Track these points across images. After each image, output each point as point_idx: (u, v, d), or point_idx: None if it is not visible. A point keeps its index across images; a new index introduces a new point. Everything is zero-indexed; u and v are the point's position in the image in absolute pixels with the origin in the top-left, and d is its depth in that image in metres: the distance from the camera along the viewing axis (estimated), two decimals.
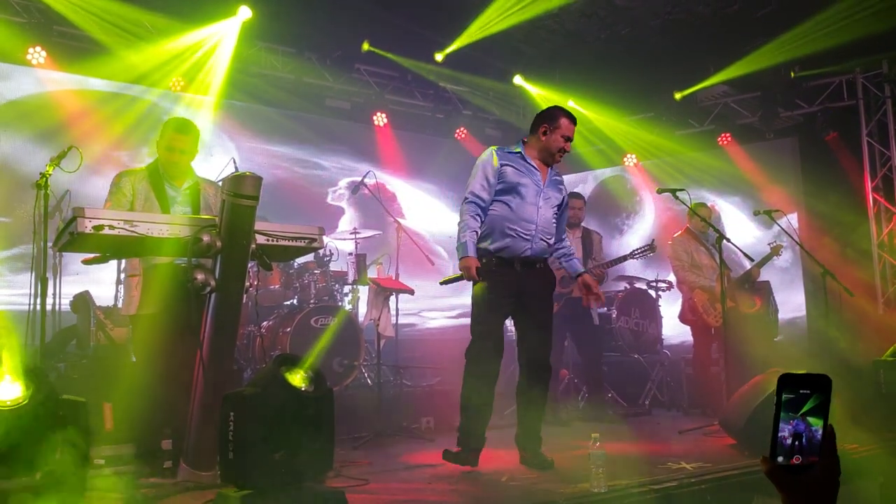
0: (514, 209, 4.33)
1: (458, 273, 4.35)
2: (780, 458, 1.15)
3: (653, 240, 7.18)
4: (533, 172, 4.42)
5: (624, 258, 7.11)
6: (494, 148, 4.49)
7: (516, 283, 4.34)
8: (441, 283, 4.66)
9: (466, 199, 4.37)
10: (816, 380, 1.15)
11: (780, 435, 1.15)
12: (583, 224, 7.03)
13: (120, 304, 5.58)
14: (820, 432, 1.14)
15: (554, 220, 4.49)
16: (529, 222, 4.35)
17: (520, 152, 4.46)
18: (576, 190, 9.28)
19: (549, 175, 4.49)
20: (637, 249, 7.01)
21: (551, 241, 4.49)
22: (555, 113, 4.54)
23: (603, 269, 6.85)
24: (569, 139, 4.49)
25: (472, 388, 4.31)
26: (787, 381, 1.15)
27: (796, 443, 1.14)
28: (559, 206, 4.51)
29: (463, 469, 4.24)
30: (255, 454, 2.89)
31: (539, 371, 4.40)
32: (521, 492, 3.71)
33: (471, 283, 4.33)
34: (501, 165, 4.39)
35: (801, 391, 1.15)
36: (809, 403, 1.14)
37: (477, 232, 4.33)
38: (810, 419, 1.14)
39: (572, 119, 4.54)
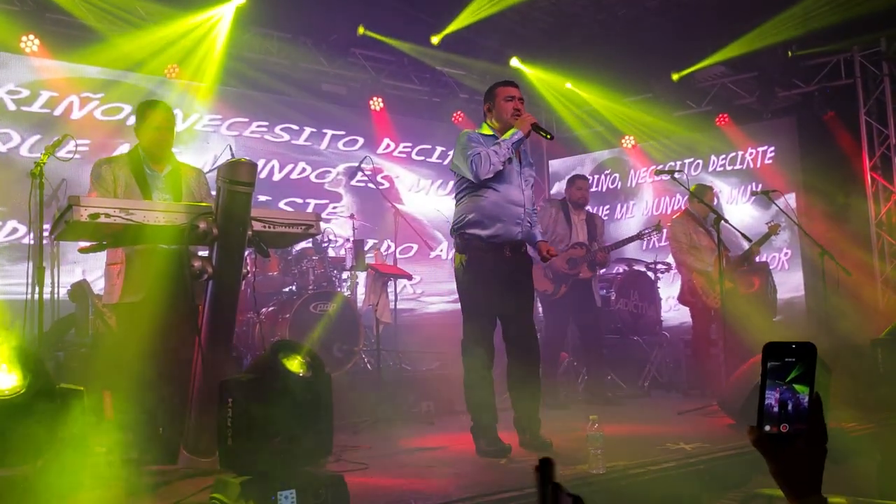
0: (503, 193, 4.33)
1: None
2: (766, 427, 1.15)
3: (658, 221, 7.18)
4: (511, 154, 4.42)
5: (630, 239, 7.13)
6: (469, 131, 4.46)
7: (508, 267, 4.35)
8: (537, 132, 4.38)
9: (469, 156, 4.25)
10: (801, 348, 1.15)
11: (766, 402, 1.15)
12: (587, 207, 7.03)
13: None
14: (806, 399, 1.14)
15: (534, 200, 4.52)
16: (518, 205, 4.37)
17: (493, 135, 4.43)
18: (575, 171, 9.30)
19: (522, 155, 4.49)
20: (643, 230, 7.00)
21: (535, 221, 4.50)
22: (489, 89, 4.58)
23: (608, 252, 6.86)
24: (511, 97, 4.44)
25: (474, 378, 4.31)
26: (773, 350, 1.15)
27: (782, 410, 1.14)
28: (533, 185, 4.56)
29: (462, 451, 4.27)
30: (253, 440, 2.90)
31: (528, 353, 4.41)
32: (520, 474, 3.73)
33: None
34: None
35: (787, 359, 1.15)
36: (795, 371, 1.14)
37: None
38: (796, 386, 1.14)
39: (507, 83, 4.55)
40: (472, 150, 4.27)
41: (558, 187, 11.12)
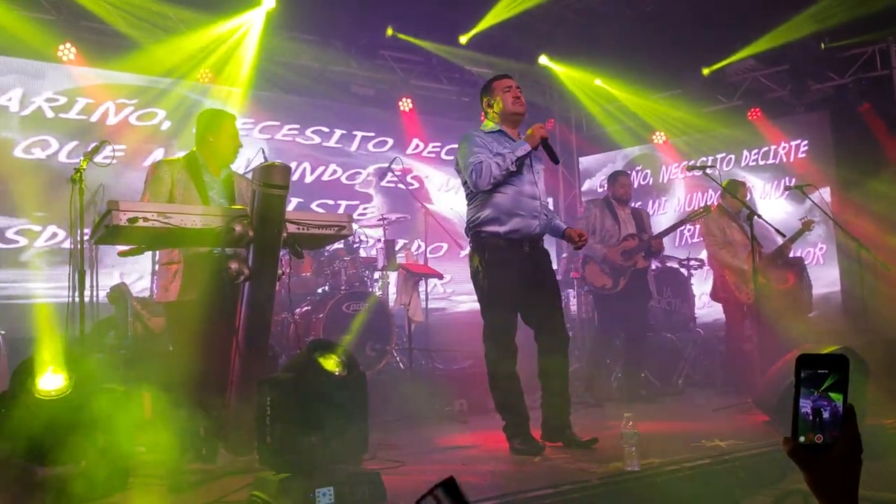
0: (517, 188, 4.28)
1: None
2: (801, 438, 1.16)
3: (706, 203, 7.10)
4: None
5: (681, 223, 7.09)
6: (473, 131, 4.43)
7: (529, 263, 4.31)
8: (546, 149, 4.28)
9: (471, 164, 4.22)
10: (834, 360, 1.15)
11: (801, 412, 1.15)
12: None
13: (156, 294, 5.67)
14: (841, 408, 1.14)
15: (546, 193, 4.50)
16: (534, 199, 4.33)
17: (500, 130, 4.40)
18: (606, 168, 9.26)
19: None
20: (693, 212, 6.91)
21: (552, 214, 4.50)
22: (485, 85, 4.55)
23: (662, 238, 6.80)
24: (509, 87, 4.42)
25: (501, 377, 4.29)
26: (805, 362, 1.16)
27: (817, 419, 1.15)
28: None
29: (496, 449, 4.29)
30: (291, 438, 2.95)
31: (563, 348, 4.38)
32: (554, 471, 3.74)
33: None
34: (490, 146, 4.33)
35: (819, 371, 1.15)
36: (829, 381, 1.15)
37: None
38: (831, 395, 1.15)
39: (502, 76, 4.53)
40: (473, 158, 4.22)
41: (589, 184, 11.09)
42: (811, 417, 1.15)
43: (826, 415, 1.14)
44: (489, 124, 4.47)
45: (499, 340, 4.28)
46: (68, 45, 7.28)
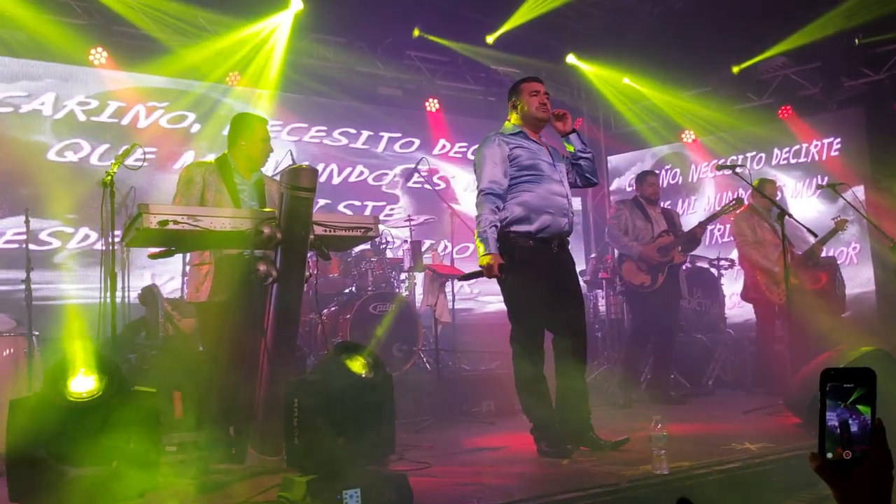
0: (546, 186, 4.27)
1: (477, 270, 4.23)
2: (829, 454, 1.13)
3: (738, 195, 7.01)
4: (541, 149, 4.38)
5: (715, 216, 7.01)
6: (494, 134, 4.41)
7: (554, 264, 4.29)
8: (460, 279, 4.35)
9: (483, 191, 4.26)
10: (860, 373, 1.13)
11: (828, 425, 1.12)
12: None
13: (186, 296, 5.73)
14: (870, 421, 1.12)
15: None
16: (562, 196, 4.31)
17: (521, 132, 4.39)
18: (635, 167, 9.19)
19: (552, 151, 4.45)
20: (726, 206, 6.83)
21: (574, 212, 4.49)
22: (514, 85, 4.54)
23: (705, 227, 6.71)
24: (536, 91, 4.40)
25: (528, 379, 4.26)
26: (830, 375, 1.14)
27: (844, 432, 1.12)
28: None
29: (523, 451, 4.27)
30: (319, 439, 2.97)
31: (583, 350, 4.35)
32: (582, 474, 3.71)
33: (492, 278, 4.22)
34: (511, 149, 4.31)
35: (845, 385, 1.13)
36: (856, 394, 1.12)
37: (497, 226, 4.20)
38: (859, 407, 1.12)
39: (532, 78, 4.51)
40: (491, 176, 4.23)
41: (618, 183, 11.02)
42: (838, 431, 1.12)
43: (854, 428, 1.11)
44: (509, 125, 4.48)
45: (526, 342, 4.25)
46: (100, 49, 7.39)
